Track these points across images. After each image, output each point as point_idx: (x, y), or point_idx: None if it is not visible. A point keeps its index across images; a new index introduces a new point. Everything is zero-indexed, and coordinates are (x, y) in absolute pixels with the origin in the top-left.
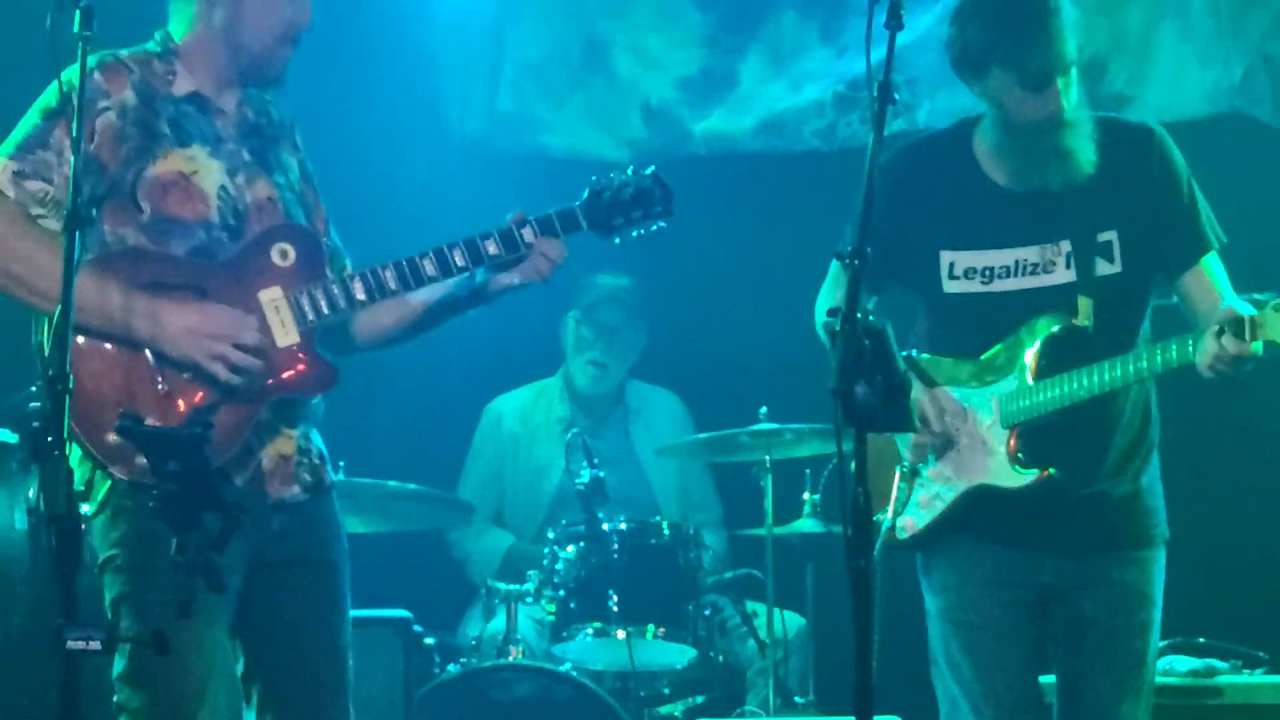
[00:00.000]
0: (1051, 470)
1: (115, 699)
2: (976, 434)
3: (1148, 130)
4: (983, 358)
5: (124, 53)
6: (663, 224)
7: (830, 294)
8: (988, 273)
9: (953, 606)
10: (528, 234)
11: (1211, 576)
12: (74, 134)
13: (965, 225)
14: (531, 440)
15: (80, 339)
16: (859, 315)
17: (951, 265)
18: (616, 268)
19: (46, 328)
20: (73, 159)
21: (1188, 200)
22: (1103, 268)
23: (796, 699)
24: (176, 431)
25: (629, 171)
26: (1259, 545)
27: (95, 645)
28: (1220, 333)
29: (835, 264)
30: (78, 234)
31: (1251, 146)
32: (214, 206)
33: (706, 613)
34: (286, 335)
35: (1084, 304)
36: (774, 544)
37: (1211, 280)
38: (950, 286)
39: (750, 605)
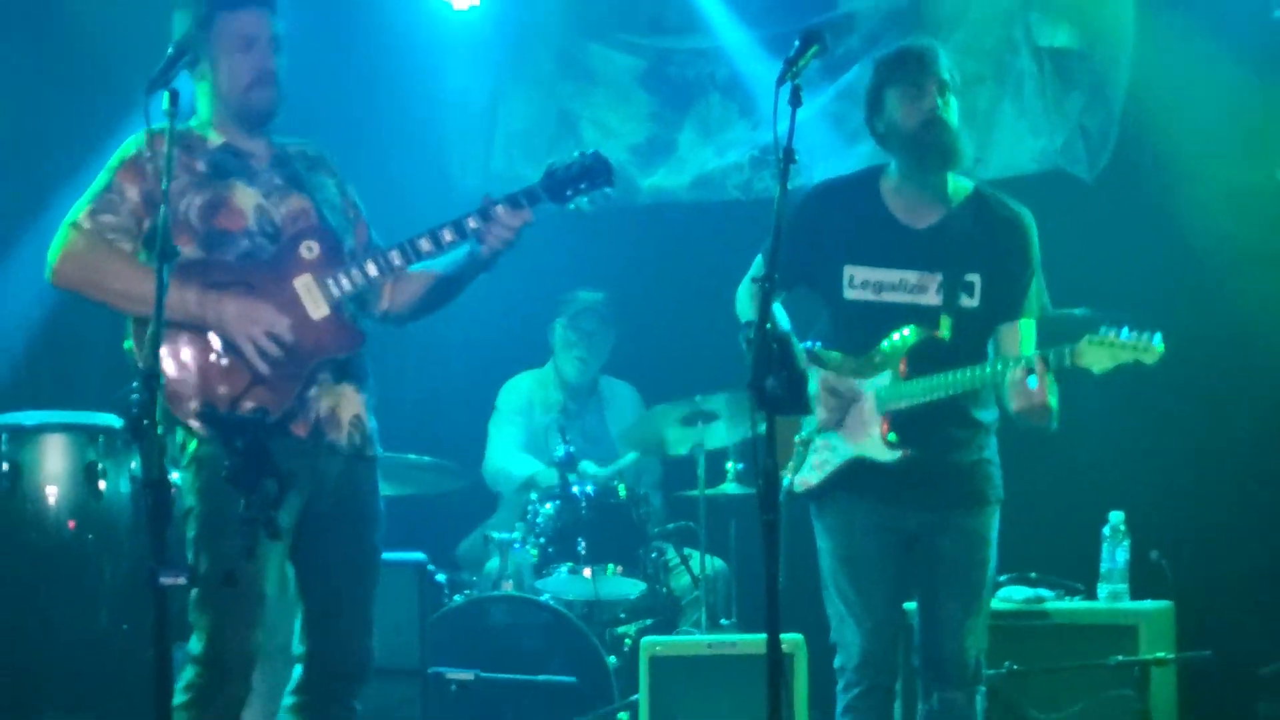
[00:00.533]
0: (912, 450)
1: (190, 616)
2: (859, 416)
3: (1022, 214)
4: (865, 355)
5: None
6: (608, 190)
7: (748, 289)
8: (879, 286)
9: (840, 545)
10: (499, 210)
11: (1041, 527)
12: (164, 187)
13: (866, 246)
14: (535, 413)
15: (168, 342)
16: (768, 326)
17: (852, 277)
18: (593, 286)
19: (132, 330)
20: (163, 208)
21: (1031, 274)
22: (965, 300)
23: (722, 621)
24: (242, 417)
25: (576, 153)
26: (1076, 503)
27: (181, 581)
28: (1018, 362)
29: (756, 261)
30: (165, 266)
31: (1071, 196)
32: (251, 218)
33: (653, 555)
34: (318, 310)
35: (945, 323)
36: (705, 502)
37: (1021, 336)
38: (849, 294)
39: (687, 550)
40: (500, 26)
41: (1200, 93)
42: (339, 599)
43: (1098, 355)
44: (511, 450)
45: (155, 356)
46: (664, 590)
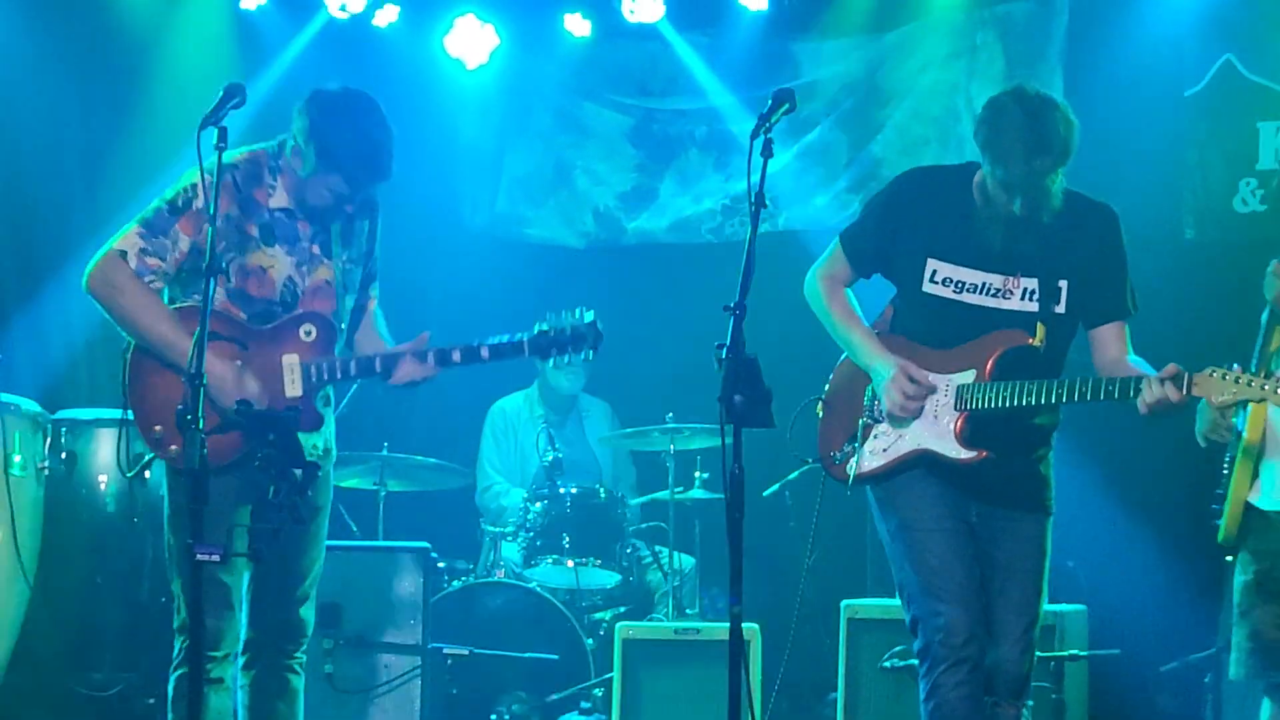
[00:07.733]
0: (989, 452)
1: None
2: (931, 409)
3: (1108, 211)
4: (946, 349)
5: (240, 152)
6: (590, 355)
7: (815, 281)
8: (959, 285)
9: (915, 520)
10: (484, 352)
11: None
12: (210, 211)
13: (951, 242)
14: (520, 430)
15: (160, 375)
16: (737, 350)
17: (934, 271)
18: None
19: (128, 350)
20: (209, 228)
21: (1121, 273)
22: (1056, 307)
23: (687, 610)
24: (276, 413)
25: (574, 318)
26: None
27: (215, 558)
28: (1164, 381)
29: (833, 243)
30: (213, 280)
31: None
32: (278, 291)
33: (628, 550)
34: (294, 389)
35: (1041, 330)
36: (674, 506)
37: (1122, 337)
38: (928, 288)
39: (657, 546)
40: (506, 86)
41: (1119, 158)
42: (282, 571)
43: (1217, 387)
44: (493, 483)
45: (201, 360)
46: (636, 582)
